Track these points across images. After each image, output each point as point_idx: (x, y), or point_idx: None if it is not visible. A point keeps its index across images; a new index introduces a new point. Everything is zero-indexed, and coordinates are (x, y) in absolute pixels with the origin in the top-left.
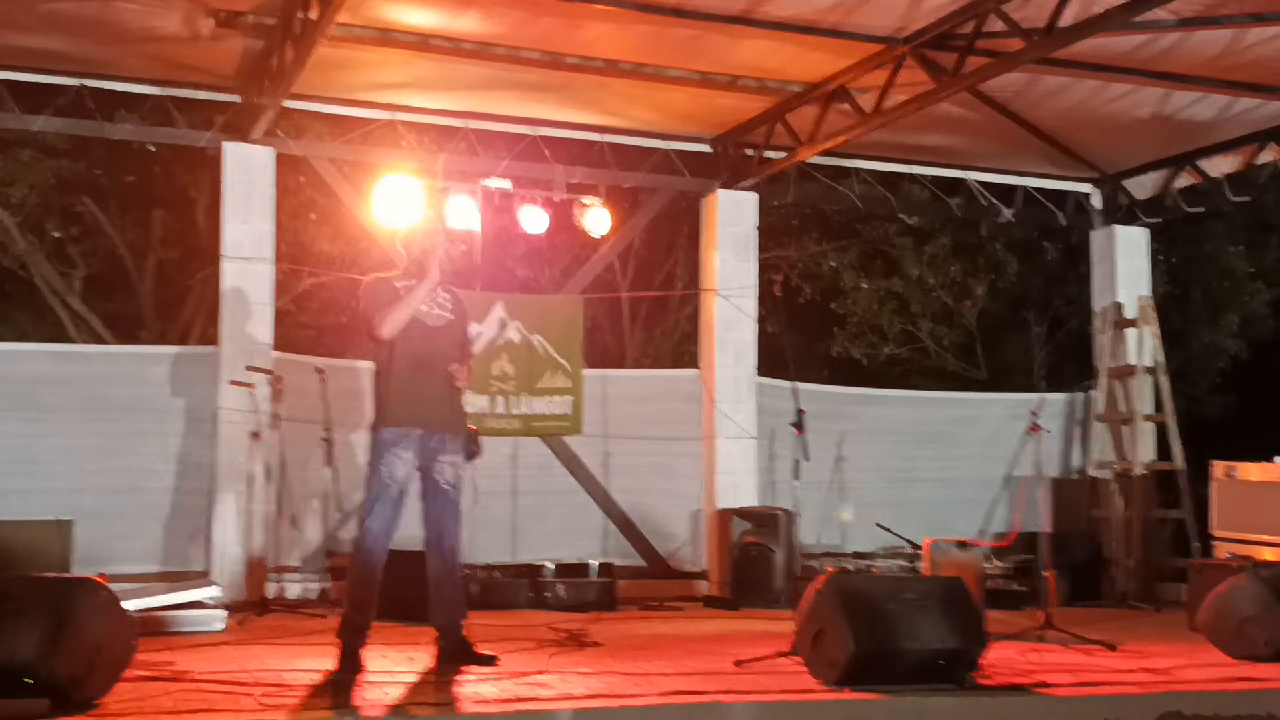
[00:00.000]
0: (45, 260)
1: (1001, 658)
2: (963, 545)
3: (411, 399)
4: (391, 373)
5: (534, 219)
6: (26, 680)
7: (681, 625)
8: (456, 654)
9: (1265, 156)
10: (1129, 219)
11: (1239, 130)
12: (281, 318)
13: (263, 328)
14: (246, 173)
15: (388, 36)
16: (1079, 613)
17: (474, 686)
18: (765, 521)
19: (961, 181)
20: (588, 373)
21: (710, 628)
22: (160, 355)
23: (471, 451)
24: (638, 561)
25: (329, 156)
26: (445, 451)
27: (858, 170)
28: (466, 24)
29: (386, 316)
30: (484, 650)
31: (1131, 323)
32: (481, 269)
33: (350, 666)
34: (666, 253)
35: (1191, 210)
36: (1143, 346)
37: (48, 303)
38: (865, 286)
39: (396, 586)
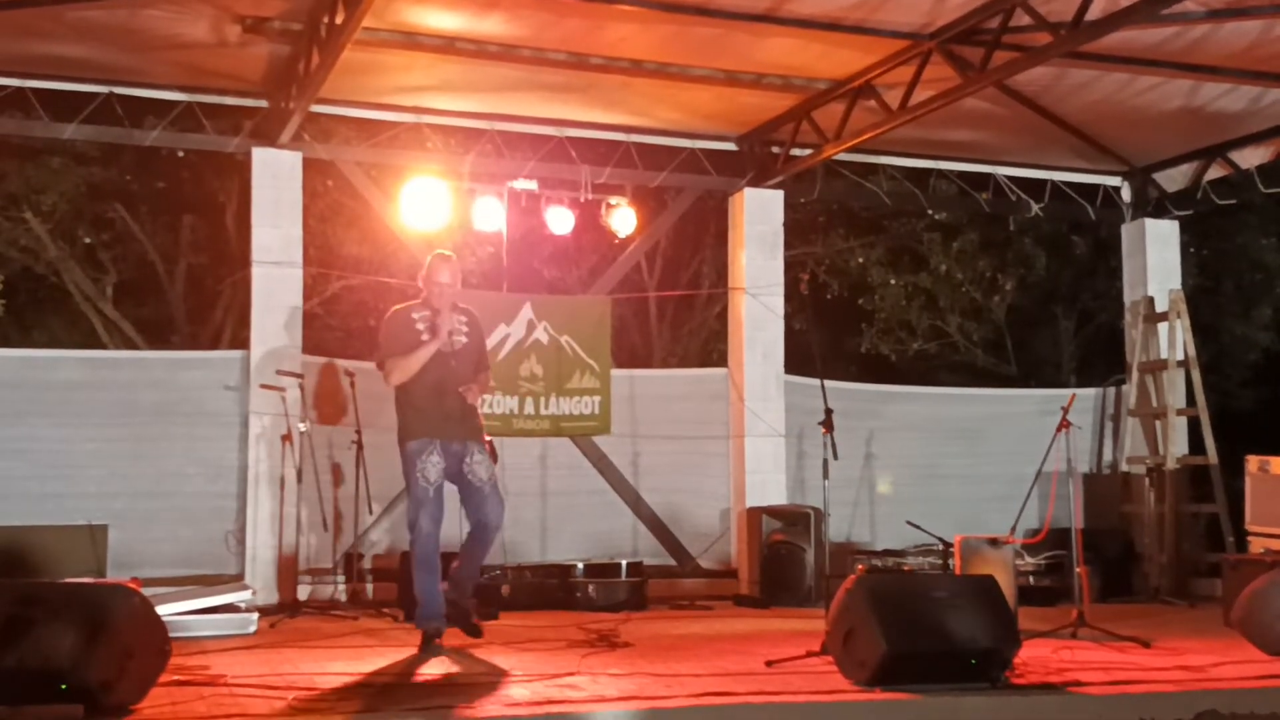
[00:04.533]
0: (77, 266)
1: (1034, 656)
2: (994, 542)
3: (429, 417)
4: (410, 394)
5: (561, 220)
6: (62, 686)
7: (712, 625)
8: (456, 618)
9: None
10: (1159, 212)
11: (1270, 121)
12: (310, 321)
13: (292, 331)
14: (274, 177)
15: (413, 40)
16: (1112, 609)
17: (505, 688)
18: (795, 520)
19: (990, 176)
20: (616, 373)
21: (741, 627)
22: (191, 360)
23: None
24: (668, 561)
25: (356, 160)
26: (469, 454)
27: (885, 166)
28: (491, 26)
29: (395, 368)
30: (478, 622)
31: (1162, 316)
32: (509, 270)
33: (430, 649)
34: (693, 251)
35: (1222, 202)
36: (1174, 340)
37: (80, 308)
38: (893, 282)
39: None
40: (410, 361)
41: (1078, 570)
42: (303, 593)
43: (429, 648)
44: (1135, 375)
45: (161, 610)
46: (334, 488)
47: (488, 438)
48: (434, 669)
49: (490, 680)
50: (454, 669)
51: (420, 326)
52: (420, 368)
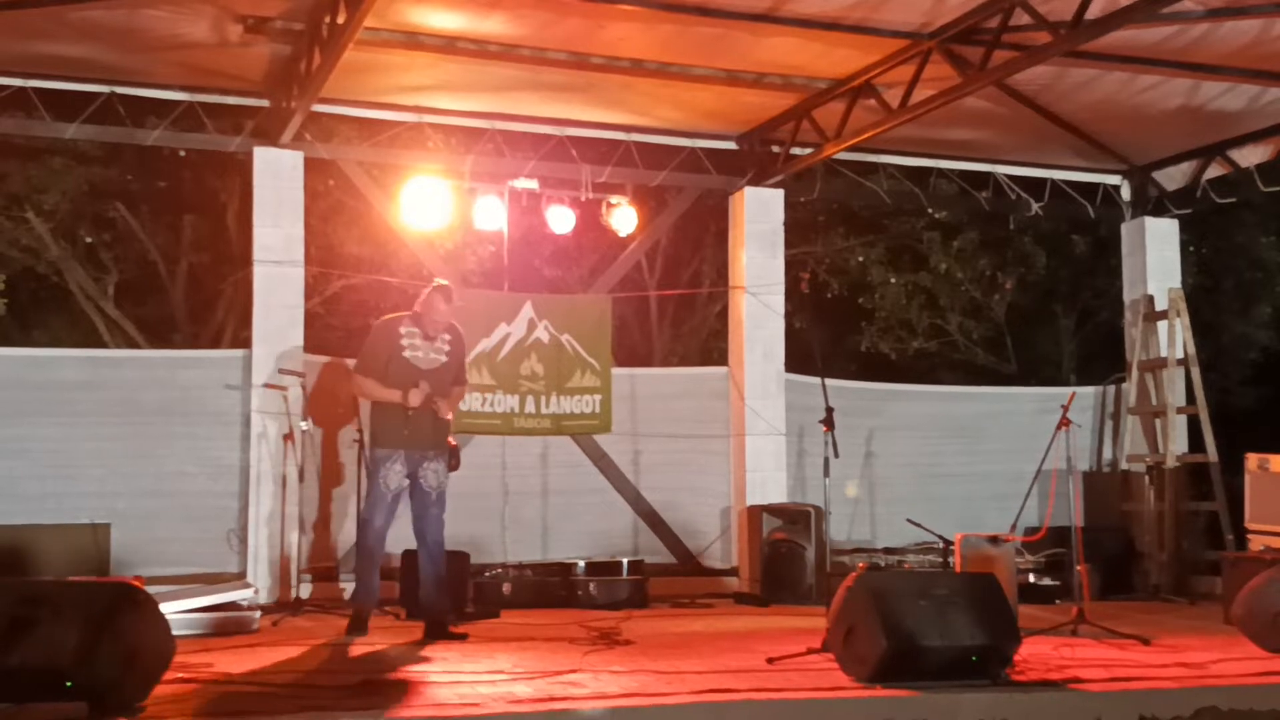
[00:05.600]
0: (78, 266)
1: (1034, 653)
2: (994, 540)
3: (398, 429)
4: (384, 405)
5: (561, 219)
6: (66, 684)
7: (713, 622)
8: (435, 631)
9: None
10: (1159, 210)
11: (1269, 120)
12: (311, 320)
13: (294, 330)
14: (276, 177)
15: (414, 39)
16: (1112, 606)
17: (507, 686)
18: (795, 518)
19: (989, 175)
20: (616, 371)
21: (741, 625)
22: (193, 359)
23: (453, 465)
24: (668, 559)
25: (357, 159)
26: (429, 461)
27: (885, 165)
28: (492, 26)
29: (363, 388)
30: (457, 630)
31: (1162, 315)
32: (510, 269)
33: (358, 628)
34: (693, 250)
35: (1222, 201)
36: (1174, 338)
37: (81, 308)
38: (893, 281)
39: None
40: (379, 395)
41: (1078, 568)
42: (304, 591)
43: (355, 626)
44: (1135, 373)
45: (164, 609)
46: (335, 486)
47: (452, 442)
48: (437, 667)
49: (493, 677)
50: (457, 667)
51: (405, 343)
52: (394, 383)
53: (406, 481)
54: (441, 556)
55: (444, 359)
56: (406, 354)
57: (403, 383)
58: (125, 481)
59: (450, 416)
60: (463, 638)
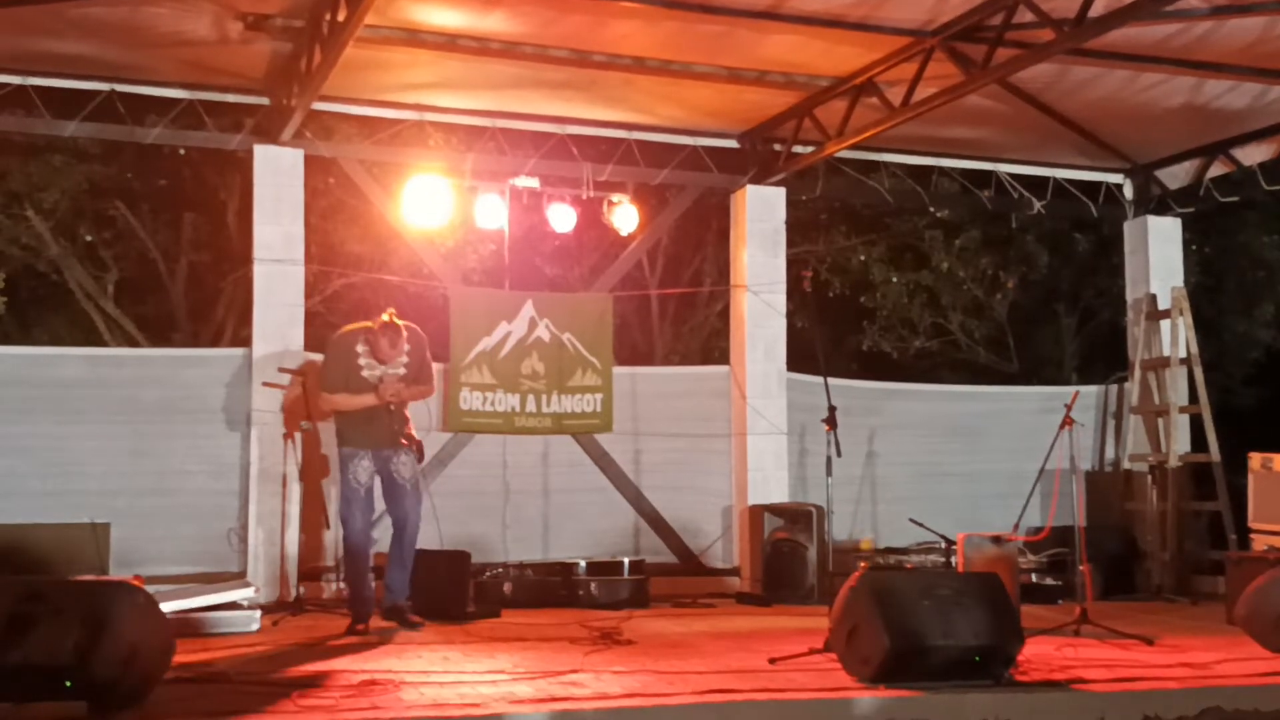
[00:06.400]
0: (78, 264)
1: (1037, 653)
2: (997, 540)
3: (362, 431)
4: (346, 413)
5: (562, 217)
6: (66, 683)
7: (714, 622)
8: (392, 616)
9: None
10: (1161, 209)
11: (1272, 118)
12: (311, 318)
13: (294, 329)
14: (276, 175)
15: (415, 37)
16: (1114, 607)
17: (509, 686)
18: (797, 518)
19: (992, 174)
20: (617, 370)
21: (743, 625)
22: (193, 357)
23: (419, 458)
24: (669, 559)
25: (358, 157)
26: (398, 455)
27: (887, 164)
28: (493, 23)
29: (332, 402)
30: (414, 618)
31: (1165, 314)
32: (510, 268)
33: (358, 630)
34: (695, 249)
35: (1225, 200)
36: (1176, 337)
37: (81, 306)
38: (895, 280)
39: (427, 586)
40: (353, 404)
41: (1080, 568)
42: (305, 590)
43: (352, 631)
44: (1137, 372)
45: (164, 608)
46: (335, 485)
47: (418, 438)
48: (439, 666)
49: (494, 677)
50: (459, 667)
51: (362, 362)
52: (358, 387)
53: (377, 477)
54: (414, 544)
55: (402, 370)
56: (364, 373)
57: (362, 390)
58: (125, 480)
59: (408, 409)
60: (417, 626)
